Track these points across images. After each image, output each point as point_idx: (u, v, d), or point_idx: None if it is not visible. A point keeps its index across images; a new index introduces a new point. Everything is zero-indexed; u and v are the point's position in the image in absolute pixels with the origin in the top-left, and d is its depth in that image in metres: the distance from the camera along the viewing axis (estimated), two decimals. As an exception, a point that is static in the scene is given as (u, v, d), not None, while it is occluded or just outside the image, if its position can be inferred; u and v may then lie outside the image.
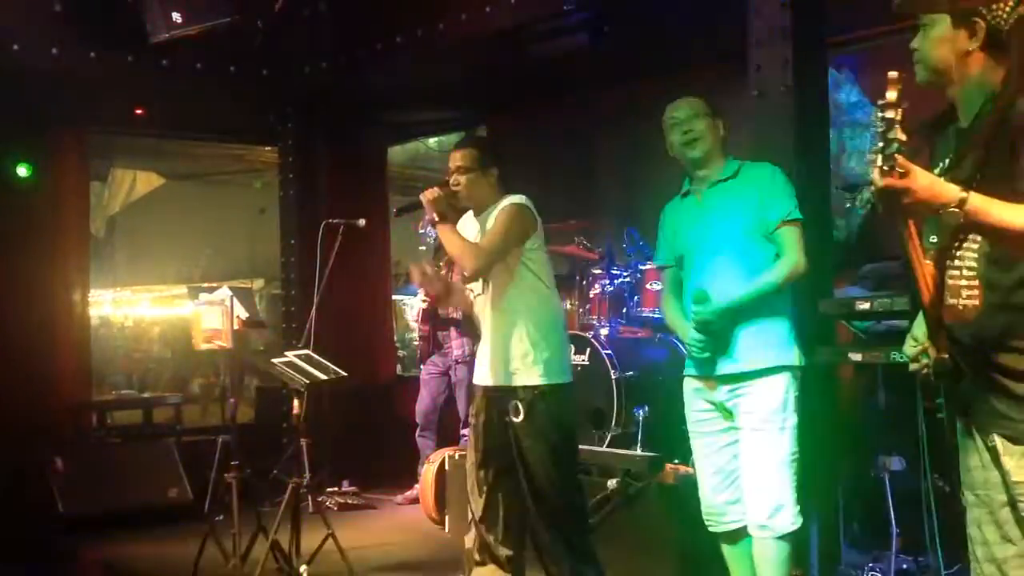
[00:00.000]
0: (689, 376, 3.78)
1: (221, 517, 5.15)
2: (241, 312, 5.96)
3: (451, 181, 3.97)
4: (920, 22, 2.40)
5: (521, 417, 3.82)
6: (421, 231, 7.06)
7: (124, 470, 6.62)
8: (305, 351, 5.42)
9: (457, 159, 3.99)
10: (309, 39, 7.07)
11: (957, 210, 2.09)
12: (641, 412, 5.09)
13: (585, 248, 6.05)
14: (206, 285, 7.37)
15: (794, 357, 3.64)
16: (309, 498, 5.47)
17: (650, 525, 4.70)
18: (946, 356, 2.32)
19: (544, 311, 3.92)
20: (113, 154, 10.46)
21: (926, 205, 2.09)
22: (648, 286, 5.41)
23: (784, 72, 4.18)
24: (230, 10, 6.11)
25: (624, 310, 5.57)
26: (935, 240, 2.30)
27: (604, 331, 5.57)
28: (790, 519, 3.56)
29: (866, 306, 4.05)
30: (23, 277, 7.11)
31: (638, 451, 5.02)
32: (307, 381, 5.05)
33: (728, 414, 3.66)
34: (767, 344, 3.60)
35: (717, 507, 3.72)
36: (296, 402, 5.13)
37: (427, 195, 3.89)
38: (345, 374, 5.19)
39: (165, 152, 10.15)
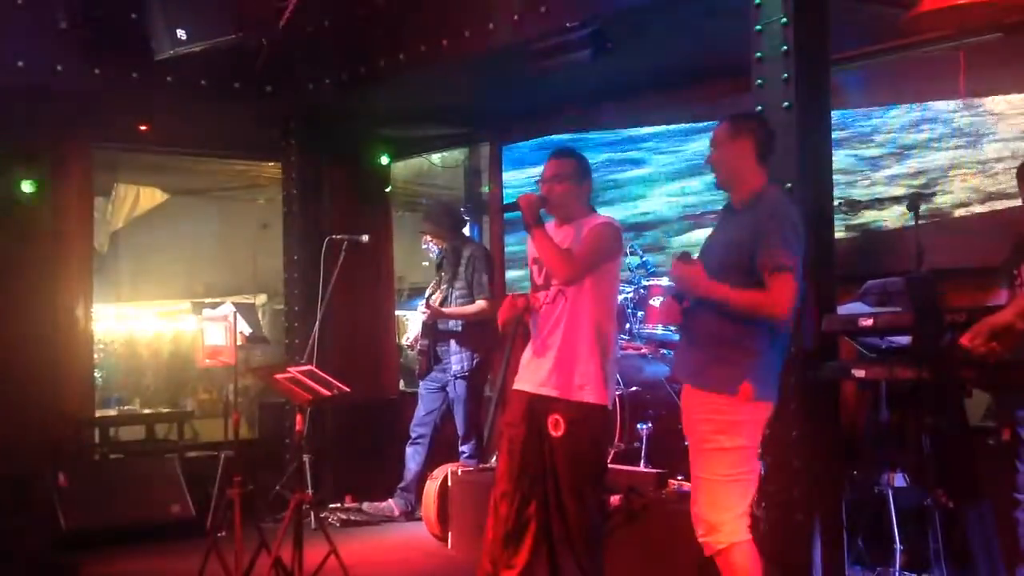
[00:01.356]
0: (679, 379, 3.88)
1: (223, 533, 5.13)
2: (244, 328, 5.97)
3: (544, 188, 4.04)
4: None
5: (561, 432, 3.84)
6: (424, 246, 7.06)
7: (126, 486, 6.60)
8: (308, 367, 5.42)
9: (554, 167, 4.07)
10: (313, 55, 7.09)
11: None
12: (645, 428, 5.08)
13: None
14: (209, 301, 7.38)
15: (749, 393, 3.54)
16: (312, 514, 5.47)
17: (654, 542, 4.69)
18: None
19: (606, 333, 4.00)
20: (116, 169, 10.47)
21: None
22: (651, 302, 5.41)
23: (787, 88, 4.18)
24: (234, 27, 6.13)
25: (628, 326, 5.57)
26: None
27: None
28: (721, 539, 3.55)
29: (869, 322, 4.05)
30: (27, 292, 7.12)
31: (642, 467, 5.01)
32: (310, 397, 5.05)
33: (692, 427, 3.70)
34: (722, 367, 3.57)
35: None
36: (299, 418, 5.13)
37: (525, 199, 3.97)
38: (348, 390, 5.18)
39: (168, 168, 10.16)
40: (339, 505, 7.14)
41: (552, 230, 4.10)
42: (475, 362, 6.52)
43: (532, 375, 4.03)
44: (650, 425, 5.09)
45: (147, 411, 9.00)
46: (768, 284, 3.48)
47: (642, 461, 5.03)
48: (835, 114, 5.83)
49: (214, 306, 6.10)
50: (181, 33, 6.08)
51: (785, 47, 4.18)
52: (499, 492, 4.02)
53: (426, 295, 6.80)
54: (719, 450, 3.55)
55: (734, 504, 3.56)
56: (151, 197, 11.16)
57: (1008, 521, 4.04)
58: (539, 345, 4.03)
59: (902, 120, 5.69)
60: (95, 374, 8.56)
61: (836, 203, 4.58)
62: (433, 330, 6.66)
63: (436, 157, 9.52)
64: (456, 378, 6.57)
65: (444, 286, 6.66)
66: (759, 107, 4.28)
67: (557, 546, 3.92)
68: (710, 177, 3.89)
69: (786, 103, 4.18)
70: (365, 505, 7.01)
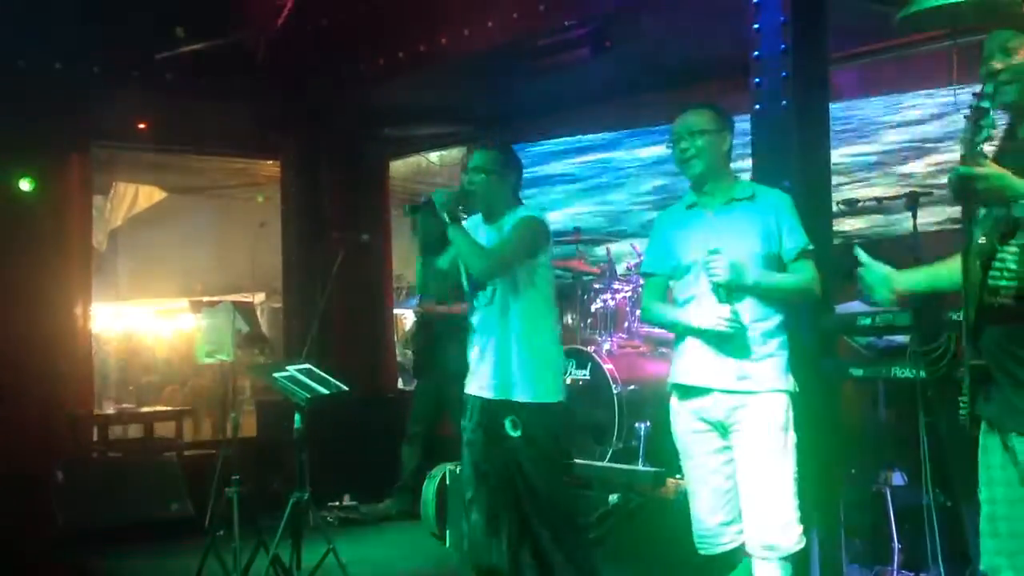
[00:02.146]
0: (679, 392, 3.63)
1: (222, 531, 5.13)
2: (243, 326, 5.96)
3: (466, 181, 3.97)
4: (1004, 45, 2.50)
5: (519, 432, 3.82)
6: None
7: (125, 484, 6.59)
8: (306, 365, 5.42)
9: (477, 160, 3.99)
10: (312, 54, 7.09)
11: None
12: (643, 427, 5.09)
13: (586, 262, 6.07)
14: (207, 299, 7.38)
15: (791, 384, 3.53)
16: (310, 512, 5.46)
17: (652, 540, 4.69)
18: (983, 361, 2.44)
19: (547, 328, 3.94)
20: (115, 168, 10.47)
21: (998, 193, 2.28)
22: (650, 301, 5.41)
23: (785, 87, 4.18)
24: (233, 26, 6.13)
25: (626, 324, 5.57)
26: (983, 241, 2.42)
27: (606, 346, 5.58)
28: (795, 539, 3.44)
29: (867, 321, 4.05)
30: (26, 290, 7.12)
31: (640, 466, 5.01)
32: (308, 395, 5.04)
33: (724, 432, 3.52)
34: (770, 365, 3.49)
35: (711, 529, 3.56)
36: (297, 416, 5.13)
37: (439, 195, 3.87)
38: (346, 388, 5.18)
39: (167, 166, 10.17)
40: (337, 504, 7.13)
41: (480, 228, 4.02)
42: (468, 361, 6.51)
43: (480, 379, 3.96)
44: (648, 424, 5.08)
45: (145, 409, 8.99)
46: (803, 267, 3.53)
47: (640, 460, 5.03)
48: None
49: (213, 304, 6.09)
50: (180, 31, 6.09)
51: (783, 46, 4.19)
52: (467, 499, 3.98)
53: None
54: (783, 448, 3.45)
55: (795, 503, 3.45)
56: (150, 195, 11.16)
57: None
58: (481, 347, 3.97)
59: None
60: (93, 372, 8.55)
61: (835, 204, 4.57)
62: (431, 327, 6.66)
63: (435, 155, 9.53)
64: (452, 377, 6.55)
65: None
66: (757, 106, 4.28)
67: (544, 544, 3.84)
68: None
69: (784, 102, 4.19)
70: (362, 508, 7.01)
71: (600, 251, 6.41)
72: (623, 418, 5.13)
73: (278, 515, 5.11)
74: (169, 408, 9.37)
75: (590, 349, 5.43)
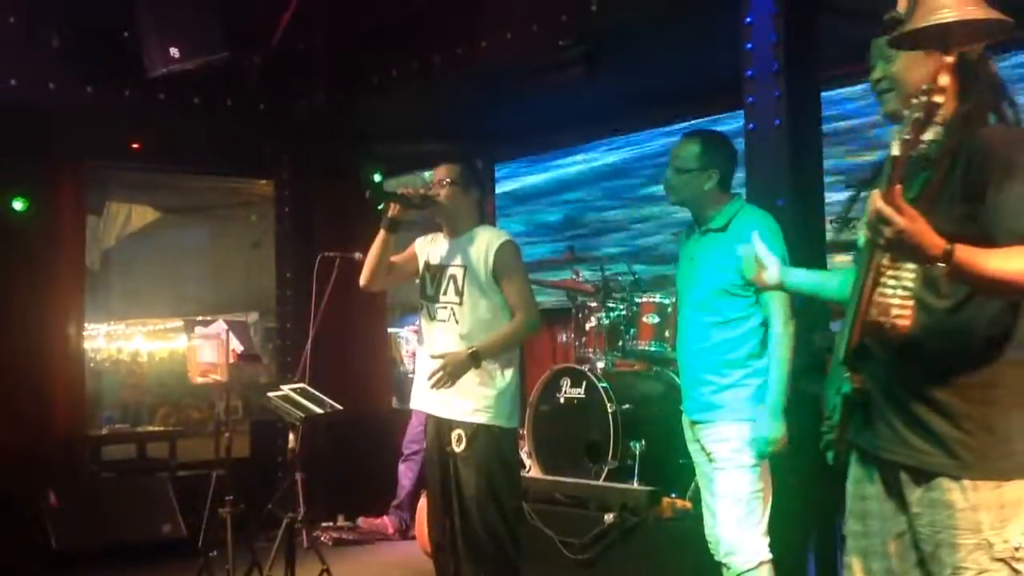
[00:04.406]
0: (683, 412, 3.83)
1: (215, 552, 5.11)
2: (237, 345, 5.95)
3: (431, 191, 4.00)
4: (884, 52, 2.35)
5: (463, 447, 3.82)
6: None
7: (117, 505, 6.57)
8: (300, 384, 5.41)
9: (442, 172, 4.05)
10: (305, 72, 7.11)
11: (943, 264, 2.01)
12: (638, 445, 5.08)
13: (580, 281, 6.07)
14: (201, 318, 7.36)
15: (755, 412, 3.57)
16: (304, 533, 5.44)
17: (647, 559, 4.68)
18: (864, 386, 2.25)
19: (513, 351, 3.96)
20: (108, 187, 10.46)
21: (909, 249, 2.02)
22: (644, 319, 5.41)
23: (778, 106, 4.20)
24: (226, 45, 6.14)
25: (620, 343, 5.56)
26: (879, 256, 2.18)
27: (600, 364, 5.57)
28: (746, 557, 3.53)
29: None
30: (18, 310, 7.09)
31: (635, 484, 5.00)
32: (302, 415, 5.03)
33: (705, 451, 3.70)
34: (736, 399, 3.59)
35: (713, 538, 3.72)
36: (291, 436, 5.11)
37: (404, 190, 3.95)
38: (340, 408, 5.17)
39: (160, 185, 10.16)
40: (332, 523, 7.11)
41: (440, 243, 4.05)
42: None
43: (428, 393, 3.90)
44: (643, 443, 5.08)
45: (138, 429, 8.96)
46: (767, 300, 3.56)
47: (635, 479, 5.02)
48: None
49: (206, 324, 6.08)
50: (174, 50, 6.09)
51: (776, 66, 4.21)
52: (430, 513, 4.04)
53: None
54: (743, 467, 3.55)
55: (758, 521, 3.55)
56: (143, 215, 11.16)
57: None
58: (428, 361, 3.92)
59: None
60: (86, 393, 8.52)
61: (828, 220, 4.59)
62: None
63: (428, 174, 9.52)
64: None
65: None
66: (751, 125, 4.30)
67: (462, 565, 3.84)
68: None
69: (777, 120, 4.20)
70: (360, 521, 6.99)
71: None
72: (618, 437, 5.12)
73: (272, 536, 5.09)
74: (162, 428, 9.35)
75: (584, 368, 5.43)
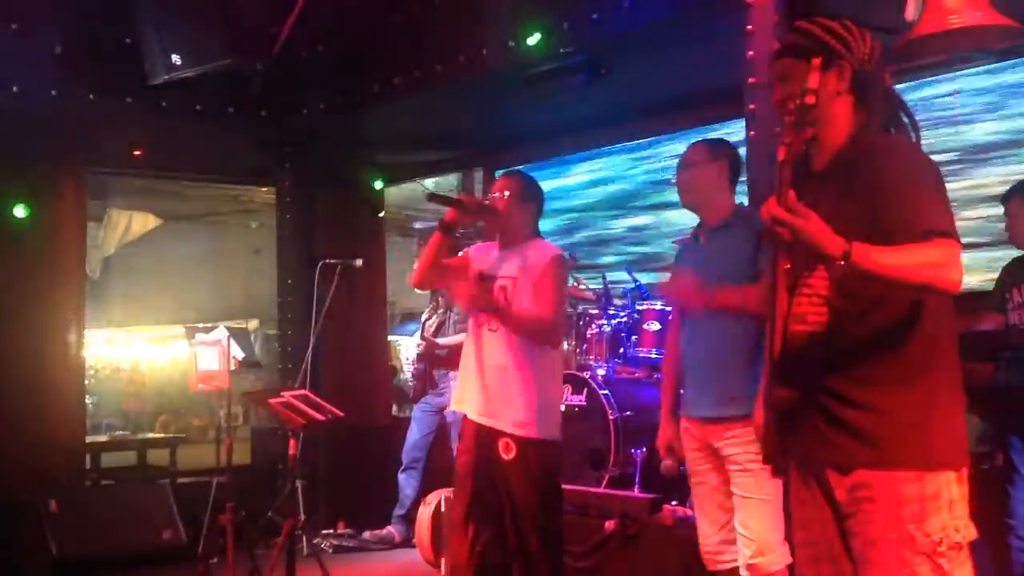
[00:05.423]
0: (681, 415, 3.78)
1: (215, 559, 5.11)
2: (238, 352, 5.96)
3: (489, 201, 4.06)
4: (781, 74, 2.44)
5: (512, 456, 3.84)
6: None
7: (118, 512, 6.55)
8: (302, 391, 5.41)
9: (501, 184, 4.09)
10: (307, 80, 7.12)
11: (842, 262, 2.11)
12: (639, 453, 5.07)
13: (582, 288, 6.07)
14: (202, 325, 7.37)
15: None
16: (304, 540, 5.44)
17: (648, 566, 4.67)
18: (788, 395, 2.30)
19: (555, 364, 4.02)
20: (109, 194, 10.48)
21: (809, 251, 2.13)
22: (645, 326, 5.42)
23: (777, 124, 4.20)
24: (228, 52, 6.15)
25: (621, 350, 5.57)
26: (789, 267, 2.28)
27: (601, 371, 5.57)
28: (776, 558, 3.50)
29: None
30: (19, 317, 7.08)
31: (636, 492, 5.00)
32: (303, 422, 5.03)
33: (716, 454, 3.63)
34: (750, 391, 3.56)
35: (713, 547, 3.68)
36: (292, 442, 5.11)
37: (463, 197, 4.00)
38: (341, 414, 5.17)
39: (161, 192, 10.17)
40: (332, 531, 7.10)
41: (492, 253, 4.10)
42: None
43: (474, 402, 3.97)
44: (644, 450, 5.07)
45: (139, 437, 8.95)
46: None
47: (636, 486, 5.02)
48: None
49: (207, 331, 6.09)
50: (176, 58, 6.10)
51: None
52: (457, 518, 4.01)
53: (423, 319, 6.79)
54: (754, 472, 3.49)
55: (780, 524, 3.51)
56: (143, 222, 11.17)
57: (1000, 546, 4.04)
58: (480, 370, 3.97)
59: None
60: (86, 400, 8.52)
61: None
62: (429, 354, 6.65)
63: (430, 182, 9.54)
64: (452, 403, 6.54)
65: (441, 310, 6.66)
66: (752, 132, 4.30)
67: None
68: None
69: (779, 128, 4.20)
70: (366, 533, 6.98)
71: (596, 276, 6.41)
72: (619, 444, 5.12)
73: (272, 542, 5.09)
74: (162, 435, 9.34)
75: (586, 375, 5.43)
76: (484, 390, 3.95)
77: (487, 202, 4.09)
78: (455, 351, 6.44)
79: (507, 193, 4.05)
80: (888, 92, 2.44)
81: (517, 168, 4.52)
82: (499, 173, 4.22)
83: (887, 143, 2.35)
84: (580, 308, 5.95)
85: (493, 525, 3.90)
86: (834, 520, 2.35)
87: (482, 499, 3.93)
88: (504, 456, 3.87)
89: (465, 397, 4.05)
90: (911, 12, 2.36)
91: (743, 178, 3.96)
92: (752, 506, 3.53)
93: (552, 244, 4.14)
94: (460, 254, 4.28)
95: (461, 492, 4.01)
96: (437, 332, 6.62)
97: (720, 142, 3.88)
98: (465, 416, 4.06)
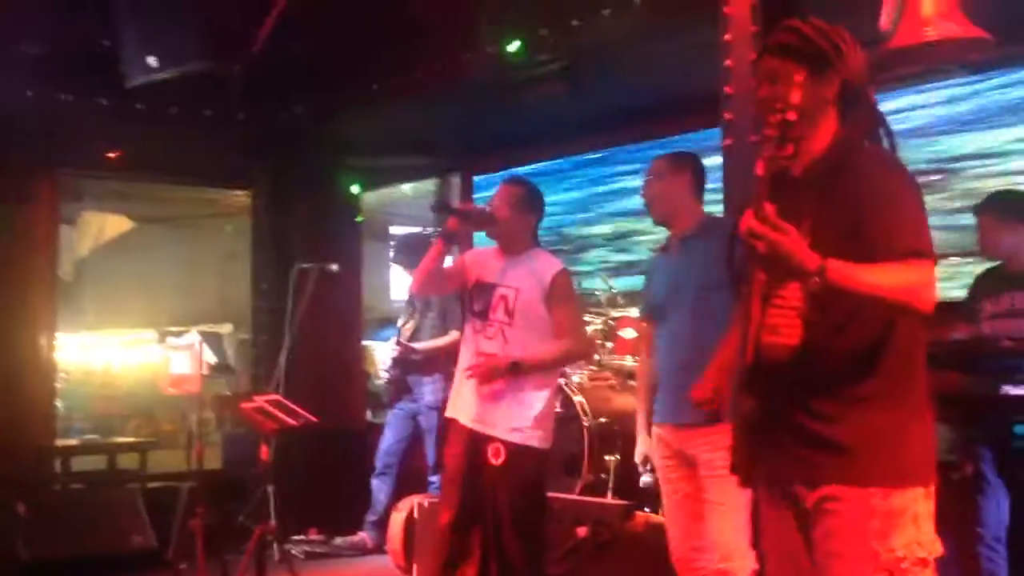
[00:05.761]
0: (654, 423, 3.81)
1: (185, 565, 5.07)
2: (210, 357, 5.93)
3: (491, 210, 4.09)
4: (770, 74, 2.40)
5: (501, 461, 3.86)
6: (396, 276, 7.06)
7: (87, 516, 6.49)
8: (275, 396, 5.38)
9: (503, 193, 4.14)
10: (285, 84, 7.09)
11: (817, 279, 2.10)
12: (613, 460, 5.08)
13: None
14: (174, 329, 7.32)
15: None
16: (275, 546, 5.40)
17: (620, 573, 4.67)
18: (758, 406, 2.29)
19: (551, 373, 4.10)
20: (83, 197, 10.39)
21: (784, 264, 2.11)
22: (620, 333, 5.43)
23: (755, 123, 4.22)
24: (206, 55, 6.12)
25: (596, 357, 5.57)
26: (763, 277, 2.28)
27: (576, 378, 5.57)
28: (743, 564, 3.52)
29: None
30: (-10, 320, 7.02)
31: (609, 499, 5.00)
32: (276, 427, 5.00)
33: (689, 461, 3.65)
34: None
35: (684, 555, 3.70)
36: (264, 448, 5.08)
37: (465, 206, 4.04)
38: (315, 419, 5.14)
39: (135, 195, 10.12)
40: (303, 537, 7.06)
41: (491, 260, 4.15)
42: (447, 392, 6.49)
43: (473, 410, 4.02)
44: (618, 457, 5.07)
45: (109, 440, 8.87)
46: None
47: (609, 493, 5.02)
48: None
49: (179, 335, 6.06)
50: (152, 60, 6.06)
51: (753, 83, 4.22)
52: (442, 522, 4.05)
53: (399, 324, 6.77)
54: (725, 479, 3.52)
55: (748, 530, 3.53)
56: (117, 225, 11.10)
57: (970, 557, 4.06)
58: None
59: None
60: (57, 403, 8.44)
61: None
62: (404, 359, 6.63)
63: (407, 187, 9.53)
64: (428, 408, 6.53)
65: (417, 315, 6.64)
66: (729, 141, 4.31)
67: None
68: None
69: (759, 132, 4.22)
70: (338, 539, 6.94)
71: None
72: (593, 451, 5.12)
73: (243, 548, 5.05)
74: (133, 440, 9.26)
75: (561, 381, 5.43)
76: (479, 396, 4.00)
77: (489, 210, 4.12)
78: (430, 356, 6.47)
79: (508, 202, 4.11)
80: (873, 105, 2.42)
81: (520, 176, 4.55)
82: (502, 180, 4.26)
83: (873, 158, 2.32)
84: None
85: (477, 530, 3.94)
86: (800, 533, 2.35)
87: (469, 504, 3.97)
88: (493, 461, 3.92)
89: (459, 403, 4.11)
90: (886, 23, 2.37)
91: (718, 186, 3.99)
92: (723, 512, 3.55)
93: (553, 257, 4.19)
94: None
95: (448, 495, 4.05)
96: (412, 337, 6.60)
97: (683, 154, 3.94)
98: (456, 421, 4.10)
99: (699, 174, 3.85)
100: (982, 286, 4.32)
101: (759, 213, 2.05)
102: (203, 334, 5.95)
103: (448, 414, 4.18)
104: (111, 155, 7.57)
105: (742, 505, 3.49)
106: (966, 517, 4.06)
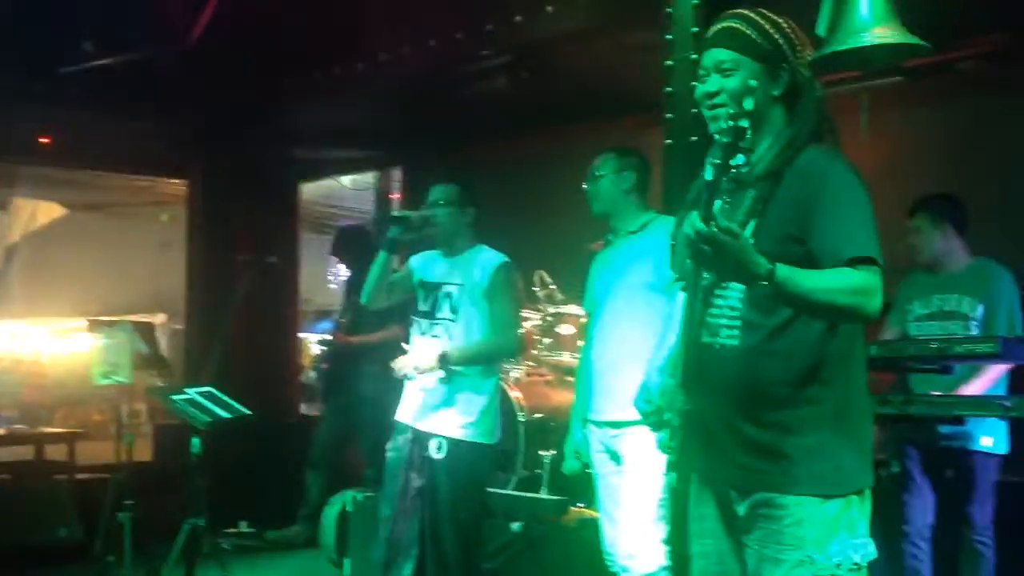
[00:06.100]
0: (587, 419, 3.87)
1: (112, 558, 4.99)
2: (141, 347, 5.83)
3: (429, 213, 4.10)
4: (721, 66, 2.33)
5: (443, 455, 3.90)
6: (333, 270, 7.01)
7: (13, 508, 6.37)
8: (208, 388, 5.32)
9: (437, 193, 4.13)
10: (224, 73, 7.00)
11: (766, 282, 2.06)
12: (548, 456, 5.09)
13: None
14: (106, 319, 7.19)
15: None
16: (205, 539, 5.34)
17: (553, 568, 4.69)
18: (695, 407, 2.26)
19: (496, 369, 4.15)
20: (14, 183, 10.19)
21: (731, 267, 2.06)
22: (558, 329, 5.44)
23: (696, 123, 4.25)
24: (143, 41, 6.03)
25: (534, 353, 5.58)
26: (707, 276, 2.24)
27: (513, 374, 5.57)
28: (647, 561, 3.58)
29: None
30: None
31: (543, 494, 5.01)
32: (209, 419, 4.94)
33: (615, 456, 3.72)
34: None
35: (611, 547, 3.75)
36: (196, 440, 5.02)
37: (405, 213, 4.13)
38: (248, 412, 5.09)
39: (68, 182, 9.94)
40: (234, 530, 6.99)
41: (439, 261, 4.19)
42: (382, 386, 6.45)
43: (417, 405, 4.05)
44: (553, 452, 5.09)
45: (36, 431, 8.70)
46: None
47: (543, 488, 5.03)
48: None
49: (111, 324, 5.95)
50: (88, 46, 5.96)
51: (695, 83, 4.25)
52: (382, 518, 4.07)
53: (336, 317, 6.73)
54: (649, 473, 3.56)
55: (659, 528, 3.58)
56: (49, 211, 10.90)
57: (895, 554, 4.14)
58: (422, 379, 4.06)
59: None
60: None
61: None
62: (340, 352, 6.59)
63: (347, 179, 9.47)
64: (365, 402, 6.48)
65: (354, 308, 6.59)
66: (669, 140, 4.34)
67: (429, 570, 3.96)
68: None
69: (695, 137, 4.25)
70: (269, 533, 6.88)
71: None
72: (528, 446, 5.13)
73: (172, 541, 4.99)
74: (62, 430, 9.09)
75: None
76: (423, 393, 4.02)
77: (426, 214, 4.13)
78: (368, 349, 6.43)
79: (443, 202, 4.11)
80: (819, 102, 2.35)
81: (454, 174, 4.56)
82: (434, 184, 4.24)
83: (819, 159, 2.26)
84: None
85: (416, 524, 3.96)
86: (728, 536, 2.33)
87: (408, 497, 3.98)
88: (434, 455, 3.93)
89: (404, 404, 4.12)
90: (821, 27, 2.39)
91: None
92: (630, 510, 3.63)
93: (496, 252, 4.18)
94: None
95: (390, 489, 4.06)
96: (350, 330, 6.56)
97: (628, 151, 3.95)
98: (399, 416, 4.12)
99: (643, 172, 3.88)
100: (910, 288, 4.40)
101: (707, 216, 2.00)
102: (136, 324, 5.83)
103: (397, 418, 4.17)
104: (44, 141, 7.42)
105: (653, 501, 3.57)
106: (892, 515, 4.14)
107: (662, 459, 3.47)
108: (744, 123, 2.01)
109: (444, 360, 3.94)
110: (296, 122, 7.36)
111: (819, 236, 2.17)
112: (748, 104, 2.08)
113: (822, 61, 2.30)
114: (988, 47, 5.02)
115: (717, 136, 2.05)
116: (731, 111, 2.06)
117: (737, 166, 2.06)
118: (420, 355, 4.00)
